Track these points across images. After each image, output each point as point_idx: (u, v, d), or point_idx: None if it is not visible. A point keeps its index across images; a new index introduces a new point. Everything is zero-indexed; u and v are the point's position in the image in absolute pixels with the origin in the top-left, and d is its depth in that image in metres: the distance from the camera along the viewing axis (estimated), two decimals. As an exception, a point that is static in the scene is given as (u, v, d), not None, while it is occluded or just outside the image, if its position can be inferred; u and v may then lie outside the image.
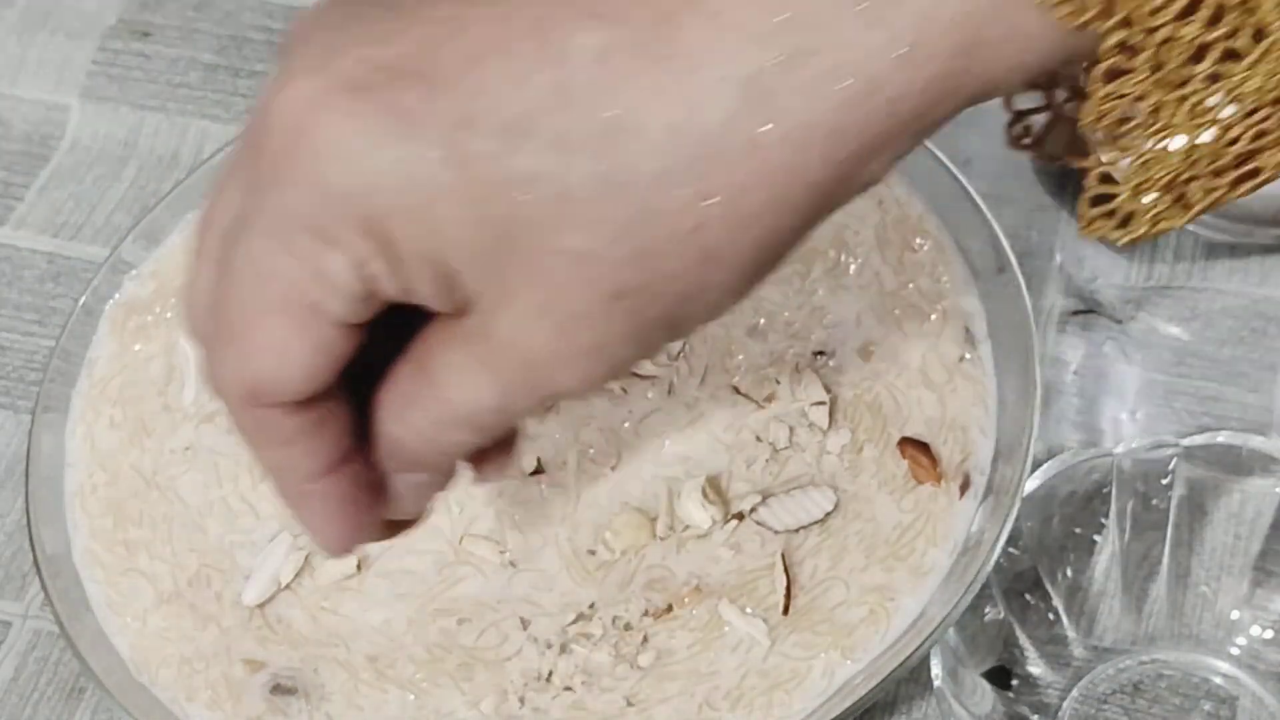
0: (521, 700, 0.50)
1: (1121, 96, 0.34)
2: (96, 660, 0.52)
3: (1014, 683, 0.52)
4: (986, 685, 0.51)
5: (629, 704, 0.50)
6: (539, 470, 0.54)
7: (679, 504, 0.52)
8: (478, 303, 0.35)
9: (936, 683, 0.49)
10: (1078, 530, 0.53)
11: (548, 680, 0.50)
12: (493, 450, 0.40)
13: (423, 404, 0.37)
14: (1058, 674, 0.53)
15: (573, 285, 0.34)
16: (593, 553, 0.52)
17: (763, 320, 0.56)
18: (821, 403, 0.54)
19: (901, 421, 0.54)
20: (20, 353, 0.63)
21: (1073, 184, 0.63)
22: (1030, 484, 0.51)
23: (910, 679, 0.52)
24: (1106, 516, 0.52)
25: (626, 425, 0.54)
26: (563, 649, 0.51)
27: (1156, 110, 0.34)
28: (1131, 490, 0.52)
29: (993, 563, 0.49)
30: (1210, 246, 0.61)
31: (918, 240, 0.57)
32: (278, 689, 0.51)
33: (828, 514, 0.52)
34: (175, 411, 0.57)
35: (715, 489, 0.53)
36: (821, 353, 0.55)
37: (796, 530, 0.52)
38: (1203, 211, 0.37)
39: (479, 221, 0.33)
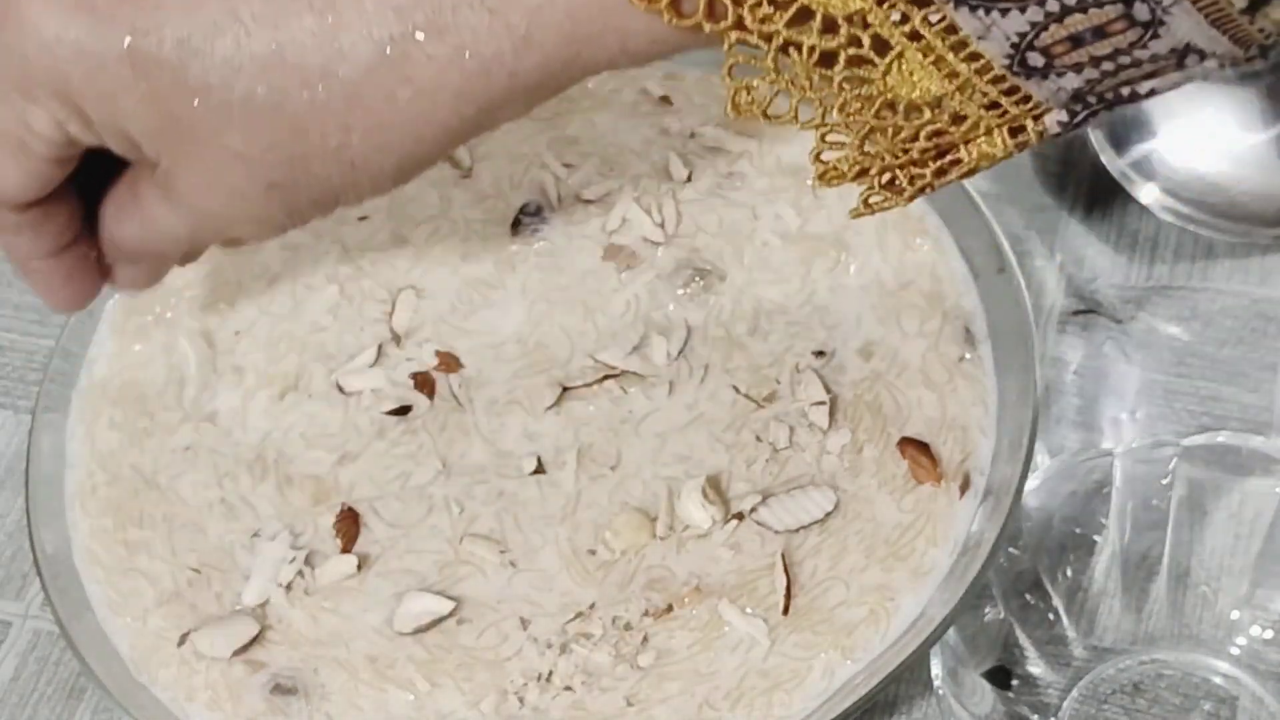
0: (521, 700, 0.50)
1: (751, 90, 0.38)
2: (96, 660, 0.52)
3: (1014, 683, 0.52)
4: (986, 685, 0.51)
5: (629, 704, 0.50)
6: (539, 470, 0.54)
7: (679, 504, 0.52)
8: (161, 163, 0.42)
9: (936, 683, 0.49)
10: (1078, 530, 0.53)
11: (548, 680, 0.50)
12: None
13: (131, 219, 0.44)
14: (1058, 674, 0.53)
15: (234, 173, 0.41)
16: (593, 553, 0.52)
17: (763, 320, 0.56)
18: (821, 403, 0.54)
19: (901, 421, 0.54)
20: (20, 353, 0.63)
21: (1073, 185, 0.63)
22: (1030, 484, 0.51)
23: (910, 679, 0.53)
24: (1106, 516, 0.52)
25: (626, 425, 0.54)
26: (563, 649, 0.51)
27: (798, 108, 0.38)
28: (1131, 490, 0.52)
29: (993, 563, 0.49)
30: (1210, 246, 0.61)
31: (918, 240, 0.57)
32: (278, 689, 0.51)
33: (828, 514, 0.52)
34: (175, 411, 0.57)
35: (715, 489, 0.53)
36: (821, 353, 0.55)
37: (796, 530, 0.52)
38: (920, 194, 0.39)
39: (155, 114, 0.40)
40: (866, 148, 0.39)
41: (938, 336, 0.55)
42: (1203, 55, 0.36)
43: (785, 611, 0.50)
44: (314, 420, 0.56)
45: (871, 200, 0.40)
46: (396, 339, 0.57)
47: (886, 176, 0.39)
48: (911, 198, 0.40)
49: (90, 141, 0.42)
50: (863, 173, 0.39)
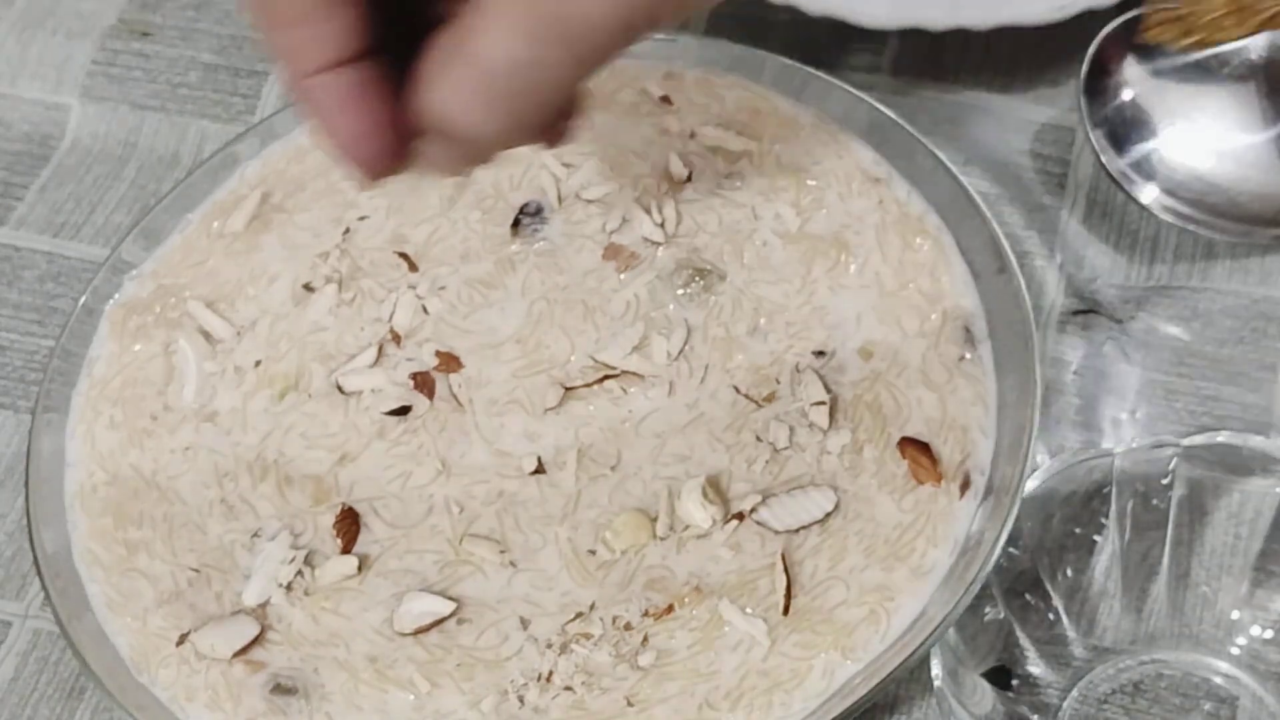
0: (521, 700, 0.50)
1: None
2: (96, 660, 0.52)
3: (1014, 683, 0.52)
4: (986, 685, 0.51)
5: (629, 704, 0.50)
6: (539, 470, 0.54)
7: (679, 504, 0.52)
8: None
9: (936, 683, 0.49)
10: (1078, 530, 0.53)
11: (548, 680, 0.50)
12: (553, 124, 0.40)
13: (459, 63, 0.37)
14: (1058, 674, 0.53)
15: None
16: (593, 553, 0.52)
17: (763, 320, 0.56)
18: (821, 403, 0.54)
19: (901, 421, 0.54)
20: (20, 353, 0.63)
21: (1073, 184, 0.63)
22: (1030, 484, 0.51)
23: (910, 679, 0.53)
24: (1106, 516, 0.52)
25: (626, 425, 0.54)
26: (563, 649, 0.51)
27: None
28: (1131, 490, 0.52)
29: (993, 563, 0.49)
30: (1210, 246, 0.61)
31: (918, 240, 0.57)
32: (278, 689, 0.51)
33: (828, 514, 0.52)
34: (175, 411, 0.57)
35: (715, 489, 0.53)
36: (821, 353, 0.55)
37: (796, 530, 0.52)
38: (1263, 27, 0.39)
39: None
40: None
41: (938, 336, 0.55)
42: None
43: (785, 611, 0.50)
44: (314, 420, 0.56)
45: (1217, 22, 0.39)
46: (396, 339, 0.57)
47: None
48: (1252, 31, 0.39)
49: None
50: None
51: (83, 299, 0.59)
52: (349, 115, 0.38)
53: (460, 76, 0.37)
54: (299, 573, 0.53)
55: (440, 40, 0.37)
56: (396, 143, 0.39)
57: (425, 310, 0.58)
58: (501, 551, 0.53)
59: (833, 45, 0.65)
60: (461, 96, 0.37)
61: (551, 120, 0.40)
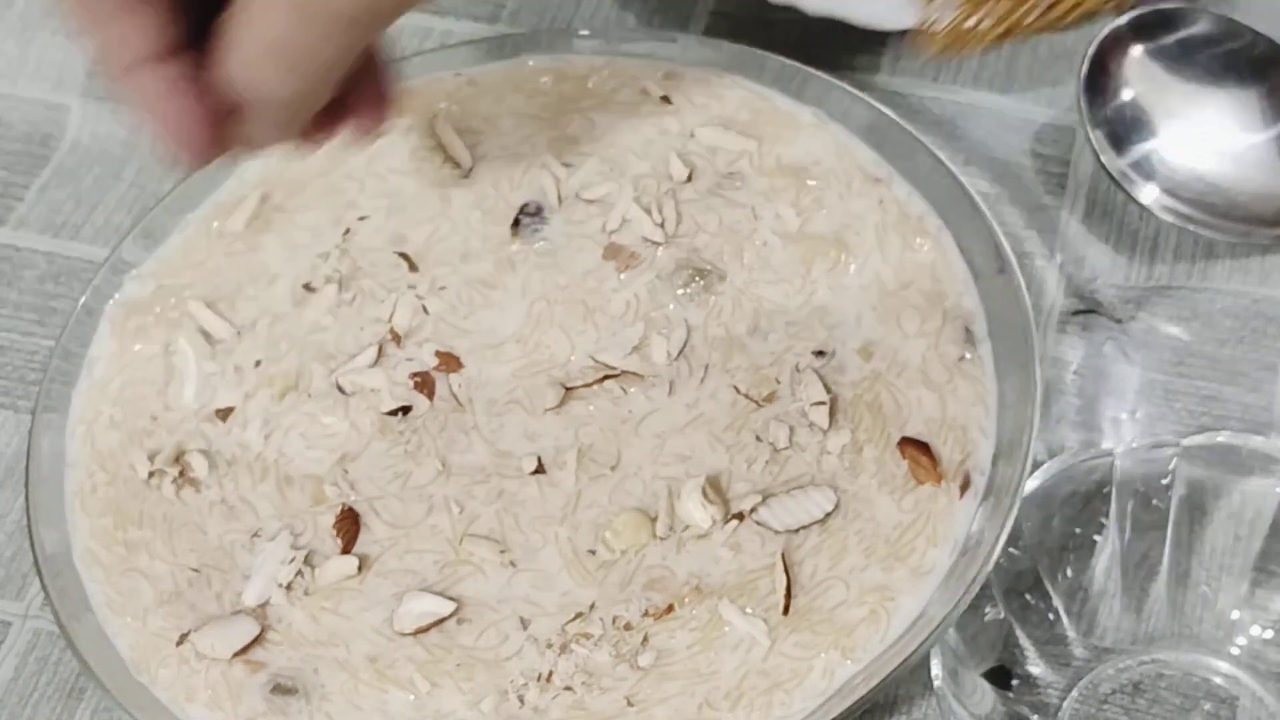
0: (521, 700, 0.50)
1: None
2: (96, 660, 0.52)
3: (1014, 683, 0.52)
4: (986, 685, 0.51)
5: (629, 704, 0.50)
6: (539, 470, 0.54)
7: (679, 504, 0.52)
8: None
9: (936, 683, 0.49)
10: (1078, 530, 0.53)
11: (548, 680, 0.50)
12: (361, 105, 0.47)
13: (241, 38, 0.42)
14: (1058, 674, 0.53)
15: None
16: (593, 553, 0.52)
17: (763, 320, 0.56)
18: (821, 403, 0.54)
19: (901, 421, 0.54)
20: (20, 353, 0.63)
21: (1073, 184, 0.63)
22: (1030, 484, 0.51)
23: (910, 679, 0.52)
24: (1106, 516, 0.52)
25: (626, 425, 0.54)
26: (563, 649, 0.51)
27: None
28: (1131, 490, 0.52)
29: (993, 563, 0.49)
30: (1210, 246, 0.61)
31: (918, 240, 0.57)
32: (278, 689, 0.51)
33: (828, 514, 0.52)
34: (175, 411, 0.57)
35: (715, 489, 0.53)
36: (821, 353, 0.55)
37: (796, 530, 0.52)
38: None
39: None
40: None
41: (938, 336, 0.55)
42: None
43: (785, 611, 0.50)
44: (314, 420, 0.56)
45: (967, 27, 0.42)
46: (396, 339, 0.57)
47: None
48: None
49: None
50: None
51: (83, 299, 0.59)
52: (168, 103, 0.43)
53: (248, 47, 0.42)
54: (299, 573, 0.53)
55: (230, 19, 0.42)
56: (213, 126, 0.44)
57: (425, 310, 0.58)
58: (501, 551, 0.53)
59: (833, 45, 0.65)
60: (252, 64, 0.42)
61: (356, 88, 0.46)
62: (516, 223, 0.59)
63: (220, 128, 0.44)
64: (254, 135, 0.45)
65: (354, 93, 0.46)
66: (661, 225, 0.58)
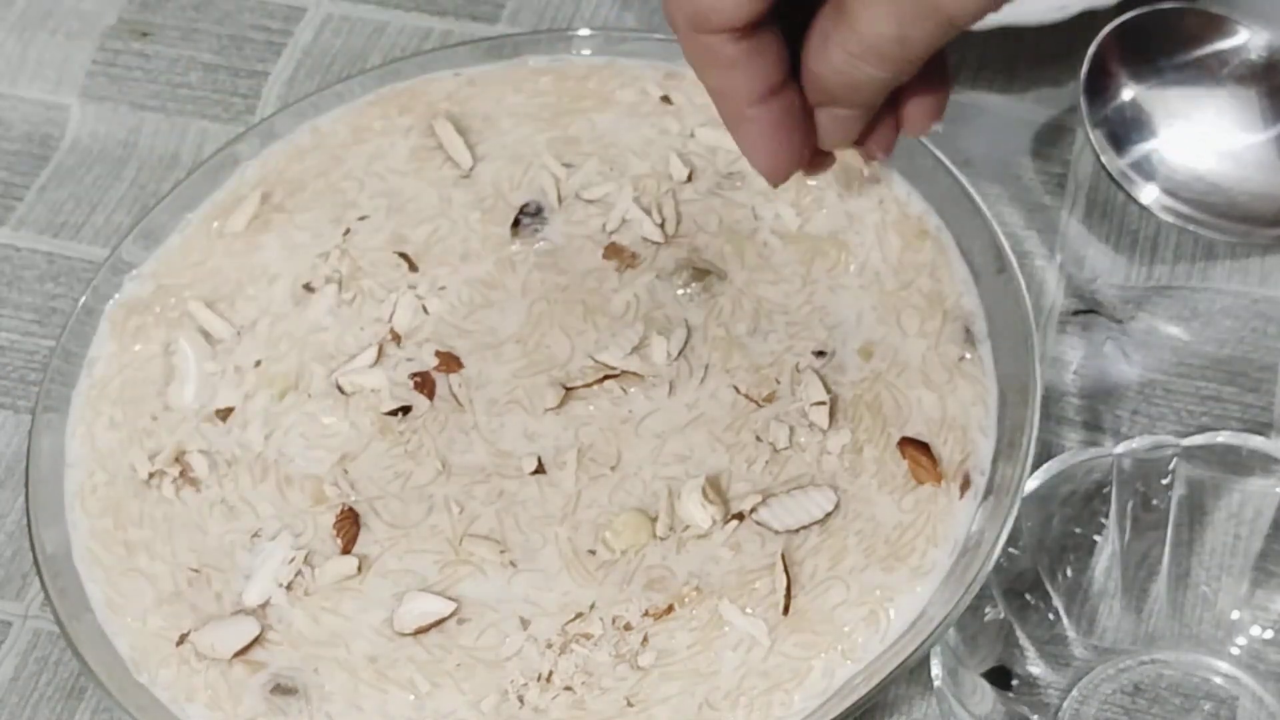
0: (521, 700, 0.50)
1: None
2: (96, 660, 0.52)
3: (1014, 683, 0.52)
4: (986, 685, 0.51)
5: (629, 704, 0.50)
6: (539, 470, 0.54)
7: (679, 504, 0.52)
8: None
9: (936, 683, 0.49)
10: (1078, 530, 0.53)
11: (548, 680, 0.50)
12: (920, 93, 0.47)
13: (836, 39, 0.43)
14: (1058, 674, 0.53)
15: None
16: (593, 553, 0.52)
17: (763, 320, 0.56)
18: (821, 403, 0.54)
19: (901, 421, 0.54)
20: (20, 353, 0.63)
21: (1073, 184, 0.63)
22: (1030, 484, 0.51)
23: (910, 679, 0.53)
24: (1106, 516, 0.52)
25: (626, 425, 0.54)
26: (563, 649, 0.51)
27: None
28: (1131, 490, 0.52)
29: (993, 563, 0.49)
30: (1210, 246, 0.61)
31: (918, 240, 0.57)
32: (278, 689, 0.51)
33: (828, 514, 0.52)
34: (175, 411, 0.57)
35: (715, 489, 0.53)
36: (821, 353, 0.55)
37: (796, 530, 0.52)
38: None
39: None
40: None
41: (938, 336, 0.55)
42: None
43: (785, 611, 0.50)
44: (314, 420, 0.56)
45: None
46: (397, 339, 0.57)
47: None
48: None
49: None
50: None
51: (83, 299, 0.59)
52: (778, 139, 0.46)
53: (850, 45, 0.43)
54: (299, 573, 0.53)
55: (821, 20, 0.44)
56: (809, 150, 0.47)
57: (425, 310, 0.58)
58: (501, 551, 0.53)
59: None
60: (849, 62, 0.44)
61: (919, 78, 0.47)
62: (516, 223, 0.59)
63: (813, 149, 0.47)
64: (831, 130, 0.47)
65: (909, 89, 0.47)
66: (661, 225, 0.58)
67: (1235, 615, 0.53)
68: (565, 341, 0.56)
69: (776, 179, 0.48)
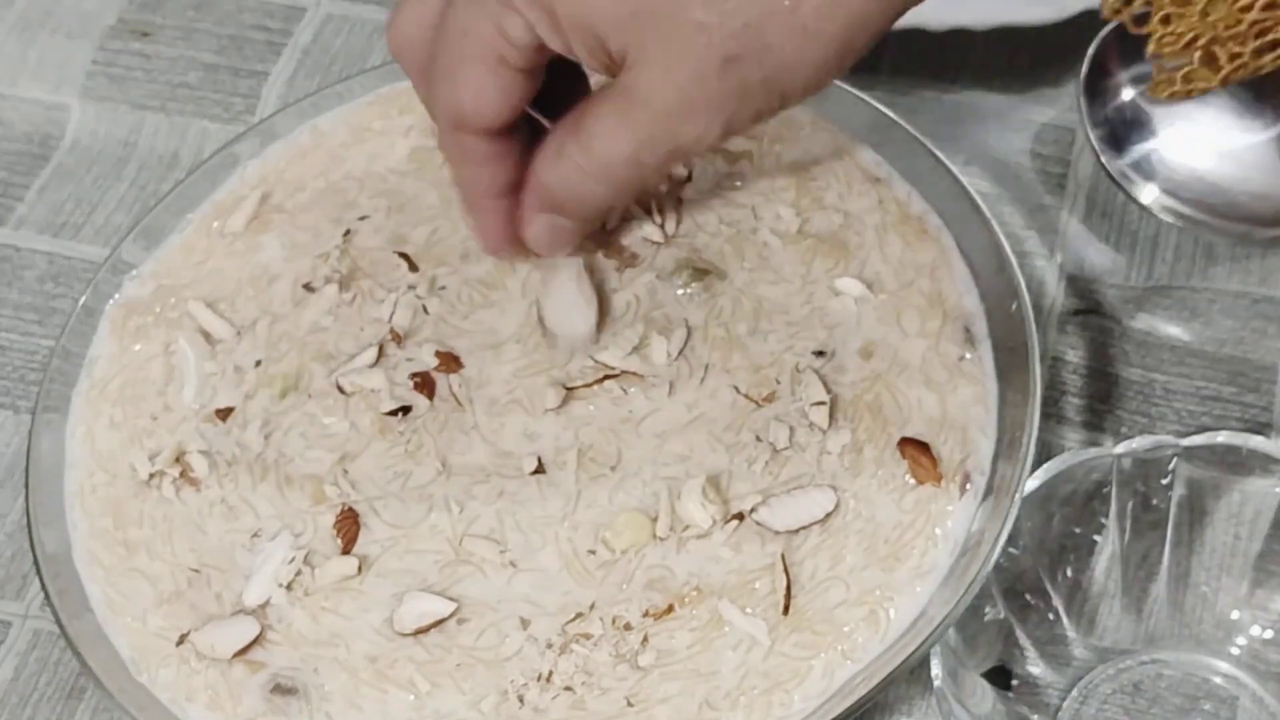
0: (521, 700, 0.50)
1: None
2: (96, 660, 0.52)
3: (1014, 683, 0.52)
4: (986, 685, 0.51)
5: (629, 704, 0.50)
6: (539, 470, 0.54)
7: (679, 504, 0.52)
8: (620, 64, 0.45)
9: (936, 683, 0.49)
10: (1078, 530, 0.53)
11: (548, 680, 0.50)
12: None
13: (570, 152, 0.47)
14: (1058, 674, 0.53)
15: (694, 50, 0.44)
16: (593, 553, 0.52)
17: (763, 320, 0.56)
18: (821, 403, 0.54)
19: (901, 421, 0.54)
20: (20, 353, 0.63)
21: (1073, 184, 0.63)
22: (1030, 484, 0.51)
23: (910, 679, 0.53)
24: (1106, 516, 0.52)
25: (626, 425, 0.54)
26: (563, 649, 0.51)
27: None
28: (1131, 490, 0.52)
29: (993, 563, 0.49)
30: (1210, 246, 0.61)
31: (918, 240, 0.57)
32: (278, 689, 0.51)
33: (828, 514, 0.52)
34: (175, 411, 0.57)
35: (715, 489, 0.53)
36: (821, 353, 0.55)
37: (796, 530, 0.52)
38: (1231, 77, 0.43)
39: (619, 2, 0.44)
40: (1208, 14, 0.44)
41: (938, 336, 0.55)
42: None
43: (785, 611, 0.50)
44: (314, 420, 0.56)
45: (1192, 75, 0.46)
46: (397, 339, 0.57)
47: (1210, 51, 0.46)
48: (1225, 80, 0.46)
49: (556, 47, 0.46)
50: (1191, 43, 0.45)
51: (83, 299, 0.59)
52: (499, 227, 0.53)
53: (581, 163, 0.48)
54: (299, 573, 0.53)
55: (558, 132, 0.48)
56: (519, 235, 0.52)
57: (425, 310, 0.58)
58: (501, 551, 0.53)
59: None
60: (579, 179, 0.48)
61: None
62: (516, 223, 0.59)
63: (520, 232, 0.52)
64: (540, 241, 0.52)
65: None
66: (661, 225, 0.58)
67: (1235, 615, 0.53)
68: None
69: (498, 255, 0.55)
